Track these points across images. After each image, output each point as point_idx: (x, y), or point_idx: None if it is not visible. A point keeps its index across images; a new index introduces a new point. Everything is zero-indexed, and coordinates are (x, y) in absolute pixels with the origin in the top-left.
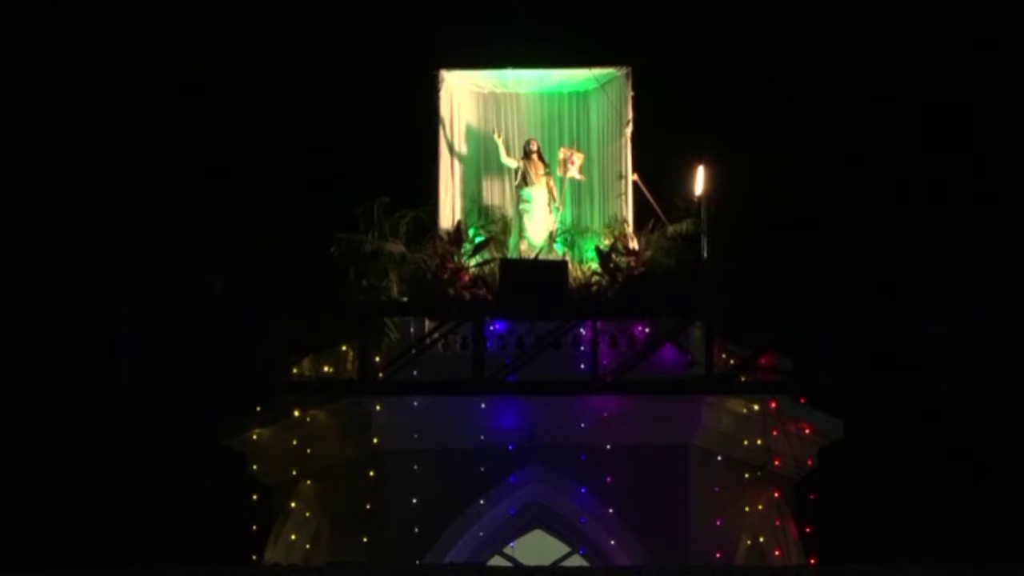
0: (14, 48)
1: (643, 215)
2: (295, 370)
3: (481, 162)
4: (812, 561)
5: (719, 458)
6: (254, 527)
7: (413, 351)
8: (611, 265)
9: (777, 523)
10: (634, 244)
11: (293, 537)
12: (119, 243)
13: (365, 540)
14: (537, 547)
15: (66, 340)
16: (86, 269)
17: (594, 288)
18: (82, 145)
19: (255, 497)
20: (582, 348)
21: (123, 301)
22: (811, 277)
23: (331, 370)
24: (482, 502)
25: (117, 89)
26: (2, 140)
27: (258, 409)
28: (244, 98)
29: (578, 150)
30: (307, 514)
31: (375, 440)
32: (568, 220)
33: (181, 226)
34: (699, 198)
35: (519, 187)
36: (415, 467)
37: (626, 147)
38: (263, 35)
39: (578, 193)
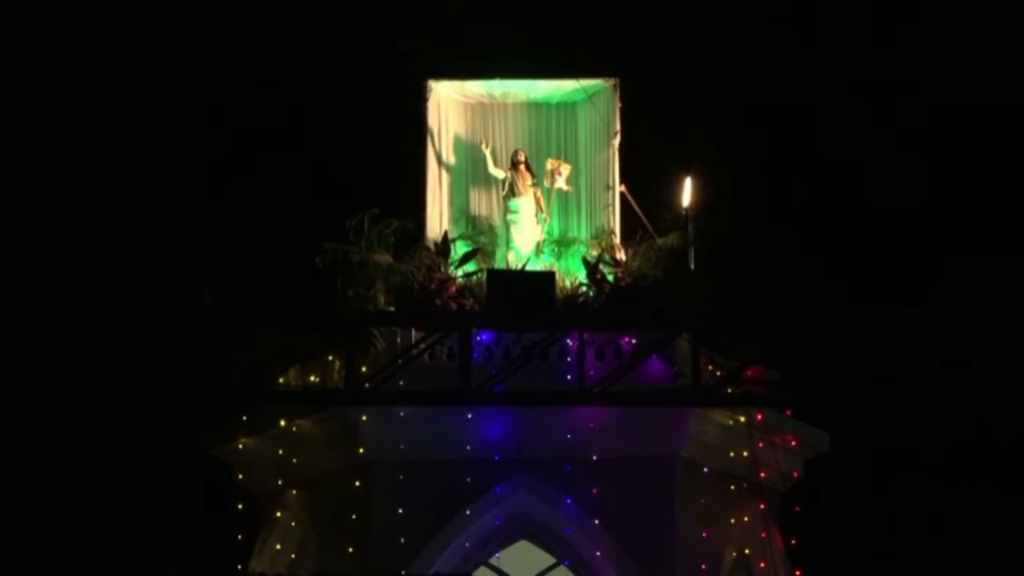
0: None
1: (630, 226)
2: (281, 380)
3: (469, 172)
4: (798, 573)
5: (705, 469)
6: (239, 536)
7: (400, 361)
8: (598, 276)
9: (763, 535)
10: (621, 255)
11: (278, 547)
12: (109, 249)
13: (351, 550)
14: (523, 558)
15: (53, 346)
16: (76, 275)
17: (581, 299)
18: (75, 150)
19: (240, 506)
20: (569, 359)
21: (112, 309)
22: (799, 289)
23: (317, 380)
24: (468, 513)
25: (115, 93)
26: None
27: (244, 418)
28: (234, 108)
29: (566, 161)
30: (293, 524)
31: (361, 450)
32: (555, 231)
33: (170, 233)
34: (686, 209)
35: (506, 198)
36: (401, 477)
37: (614, 158)
38: (253, 44)
39: (565, 204)
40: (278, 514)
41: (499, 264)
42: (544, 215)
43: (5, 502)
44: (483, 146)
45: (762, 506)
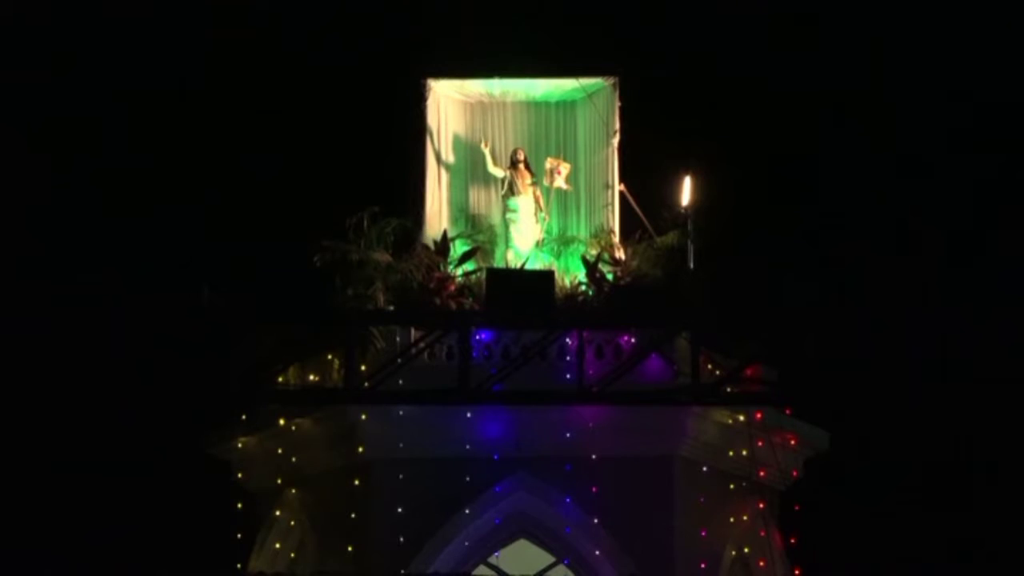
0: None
1: (630, 225)
2: (280, 378)
3: (468, 171)
4: (797, 572)
5: (704, 468)
6: (239, 535)
7: (399, 360)
8: (597, 275)
9: (762, 534)
10: (620, 254)
11: (278, 546)
12: (107, 247)
13: (350, 549)
14: (522, 557)
15: (52, 345)
16: (74, 274)
17: (580, 298)
18: (77, 145)
19: (240, 505)
20: (568, 358)
21: (111, 308)
22: (798, 288)
23: (317, 379)
24: (467, 511)
25: (113, 91)
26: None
27: (243, 417)
28: (232, 106)
29: (565, 160)
30: (292, 523)
31: (360, 449)
32: (554, 230)
33: (169, 232)
34: (686, 208)
35: (506, 197)
36: (400, 476)
37: (613, 157)
38: (252, 42)
39: (564, 203)
40: (277, 513)
41: (498, 263)
42: (543, 214)
43: (5, 502)
44: (482, 145)
45: (761, 505)
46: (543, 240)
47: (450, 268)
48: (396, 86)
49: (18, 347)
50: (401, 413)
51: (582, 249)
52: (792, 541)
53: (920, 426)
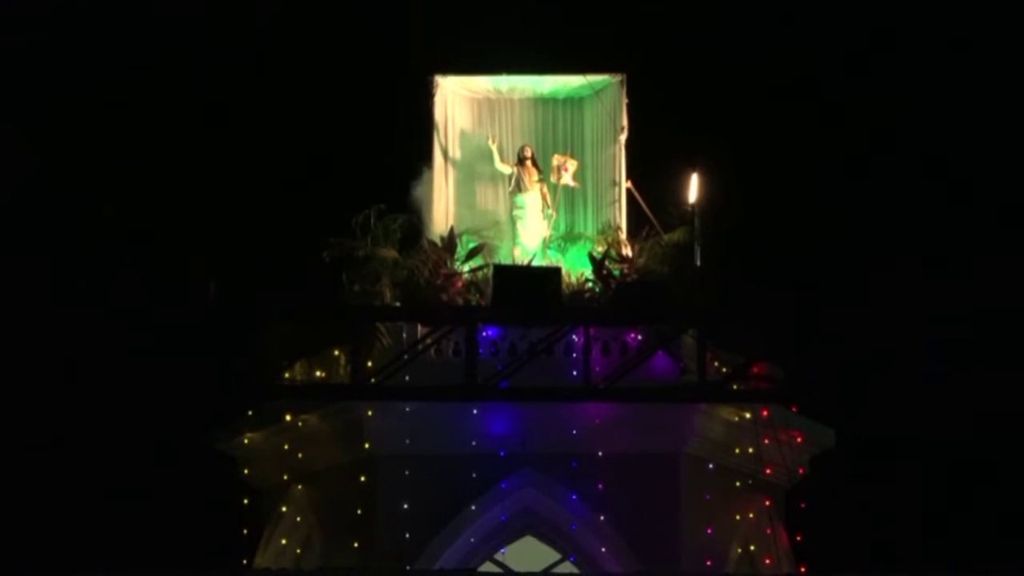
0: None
1: (637, 222)
2: (287, 374)
3: (475, 168)
4: (802, 569)
5: (710, 466)
6: (245, 531)
7: (405, 356)
8: (604, 272)
9: (768, 531)
10: (627, 251)
11: (284, 542)
12: (115, 245)
13: (356, 545)
14: (528, 553)
15: (58, 342)
16: (80, 271)
17: (587, 295)
18: (80, 144)
19: (246, 501)
20: (575, 355)
21: (117, 304)
22: (805, 286)
23: (323, 375)
24: (473, 508)
25: (117, 91)
26: (8, 136)
27: (250, 413)
28: (240, 104)
29: (572, 156)
30: (298, 519)
31: (367, 445)
32: (561, 227)
33: (175, 229)
34: (693, 206)
35: (513, 193)
36: (406, 472)
37: (620, 154)
38: (257, 39)
39: (571, 200)
40: (283, 509)
41: (505, 260)
42: (550, 211)
43: (12, 499)
44: (489, 141)
45: (767, 503)
46: (550, 237)
47: (457, 264)
48: (403, 83)
49: (25, 343)
50: (407, 409)
51: (589, 246)
52: (798, 539)
53: (926, 424)
